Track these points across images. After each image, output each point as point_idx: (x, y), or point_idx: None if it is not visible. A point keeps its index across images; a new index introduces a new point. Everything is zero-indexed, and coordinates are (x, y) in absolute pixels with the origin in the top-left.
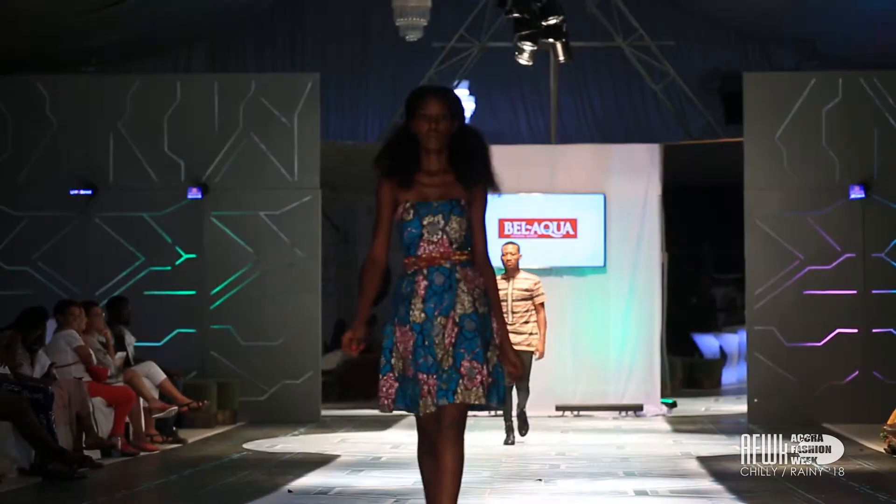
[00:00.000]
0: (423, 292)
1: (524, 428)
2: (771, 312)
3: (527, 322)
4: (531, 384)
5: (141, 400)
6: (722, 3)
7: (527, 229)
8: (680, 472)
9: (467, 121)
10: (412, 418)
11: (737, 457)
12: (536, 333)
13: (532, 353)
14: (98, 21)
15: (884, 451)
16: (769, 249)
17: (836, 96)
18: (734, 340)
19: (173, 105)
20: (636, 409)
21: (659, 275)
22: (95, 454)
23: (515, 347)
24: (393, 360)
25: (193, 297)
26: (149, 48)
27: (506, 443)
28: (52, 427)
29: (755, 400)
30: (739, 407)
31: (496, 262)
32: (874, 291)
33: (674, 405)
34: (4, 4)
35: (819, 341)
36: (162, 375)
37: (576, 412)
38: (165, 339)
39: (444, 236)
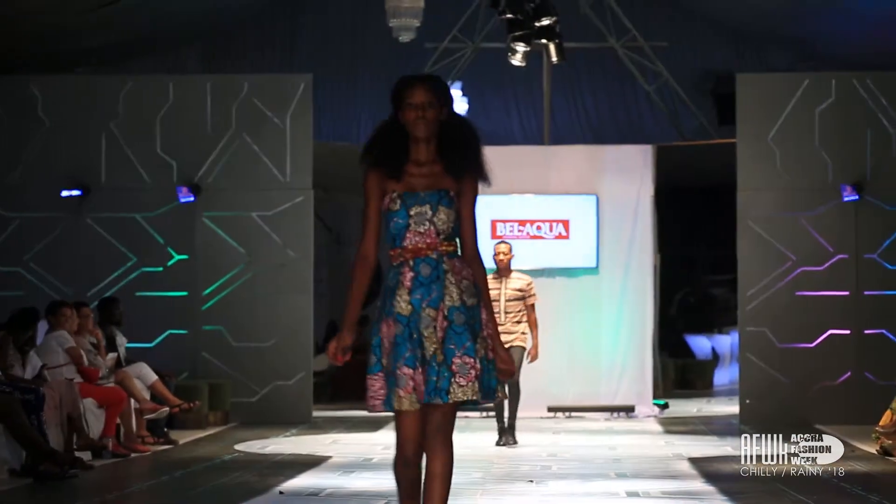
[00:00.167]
0: (409, 283)
1: (512, 440)
2: (763, 313)
3: (518, 322)
4: (522, 386)
5: (132, 401)
6: (715, 3)
7: (519, 230)
8: (672, 474)
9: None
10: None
11: (728, 458)
12: (527, 333)
13: (523, 348)
14: (91, 21)
15: (876, 453)
16: (762, 250)
17: (830, 97)
18: (726, 341)
19: (166, 106)
20: (628, 410)
21: (651, 276)
22: (86, 455)
23: (506, 344)
24: (383, 360)
25: (185, 297)
26: (142, 49)
27: (498, 443)
28: (43, 428)
29: (747, 401)
30: (731, 408)
31: (488, 261)
32: (866, 293)
33: (666, 406)
34: None
35: (811, 342)
36: (153, 376)
37: (568, 413)
38: (157, 340)
39: (432, 227)
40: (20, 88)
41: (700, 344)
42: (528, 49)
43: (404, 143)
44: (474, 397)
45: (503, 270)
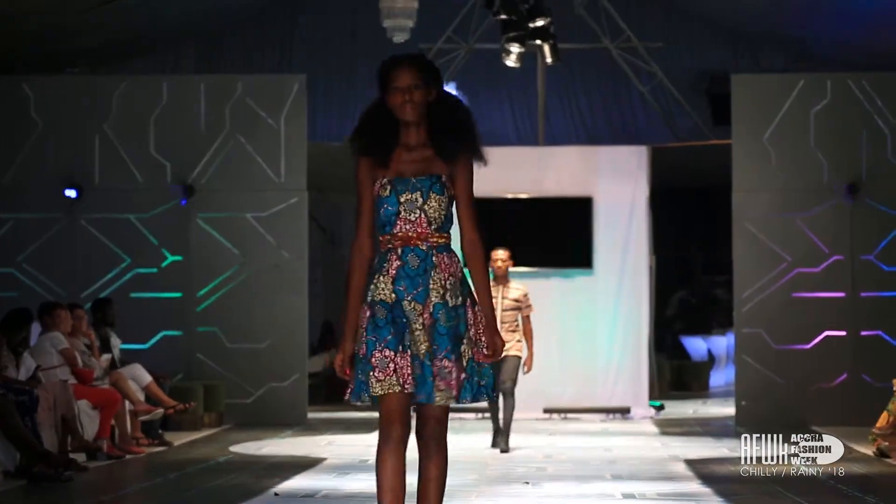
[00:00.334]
0: (393, 272)
1: (504, 447)
2: (759, 315)
3: (514, 331)
4: (516, 389)
5: (127, 402)
6: (710, 4)
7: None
8: (668, 475)
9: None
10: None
11: (725, 459)
12: (523, 342)
13: (518, 357)
14: (85, 22)
15: (872, 454)
16: (757, 251)
17: (825, 98)
18: (722, 343)
19: (159, 106)
20: (624, 411)
21: (647, 277)
22: (81, 457)
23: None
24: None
25: (179, 299)
26: (136, 49)
27: (493, 446)
28: (37, 430)
29: (743, 402)
30: (727, 410)
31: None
32: (862, 294)
33: (661, 408)
34: None
35: (807, 344)
36: (148, 378)
37: (563, 415)
38: (151, 342)
39: (423, 215)
40: (13, 89)
41: (696, 345)
42: (523, 50)
43: (393, 127)
44: (449, 402)
45: (501, 278)
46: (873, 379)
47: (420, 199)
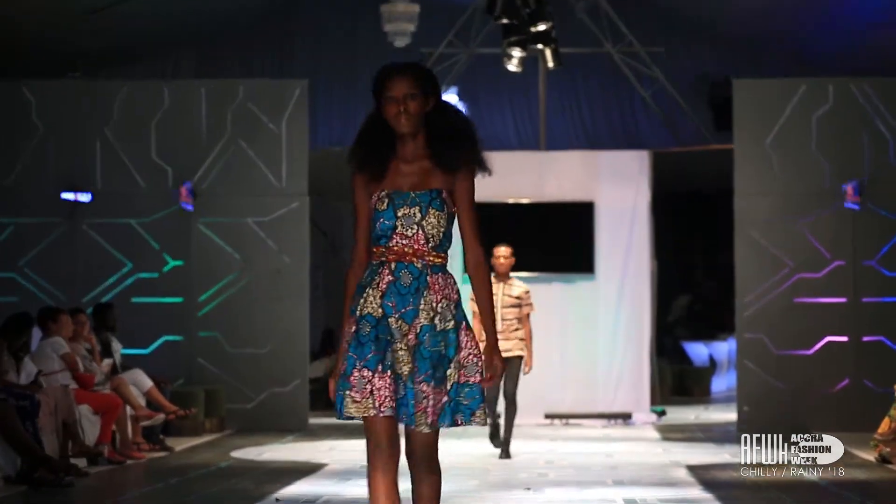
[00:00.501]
0: (384, 286)
1: (505, 455)
2: (760, 320)
3: (517, 329)
4: (518, 393)
5: (128, 408)
6: (711, 9)
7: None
8: (669, 481)
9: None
10: (401, 427)
11: (726, 465)
12: (525, 339)
13: (521, 358)
14: (85, 26)
15: (874, 460)
16: (759, 257)
17: (827, 103)
18: (724, 348)
19: (161, 111)
20: (625, 417)
21: (648, 282)
22: (82, 462)
23: (505, 354)
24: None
25: (181, 304)
26: (137, 53)
27: (492, 440)
28: (38, 435)
29: (745, 408)
30: (729, 415)
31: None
32: (864, 299)
33: (663, 413)
34: None
35: (809, 349)
36: (149, 383)
37: (565, 420)
38: (152, 347)
39: (420, 231)
40: (14, 93)
41: (697, 351)
42: (524, 54)
43: (389, 139)
44: (420, 429)
45: (502, 275)
46: (875, 384)
47: (418, 215)
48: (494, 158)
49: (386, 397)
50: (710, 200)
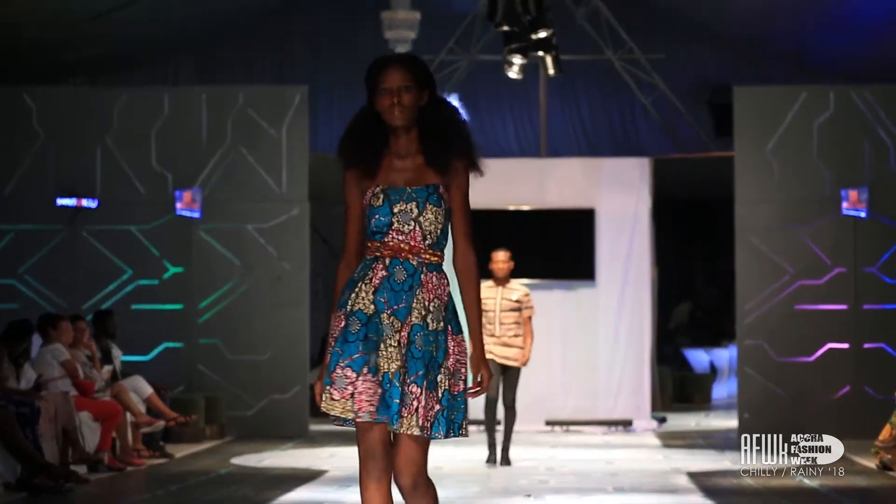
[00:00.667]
0: (377, 282)
1: (505, 462)
2: (761, 327)
3: (516, 335)
4: (519, 399)
5: (128, 414)
6: (712, 15)
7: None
8: (670, 488)
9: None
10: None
11: (727, 472)
12: (524, 349)
13: (520, 370)
14: (84, 32)
15: (875, 467)
16: (759, 263)
17: (827, 110)
18: (724, 355)
19: (161, 117)
20: (626, 424)
21: (649, 289)
22: (82, 469)
23: (503, 362)
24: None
25: (181, 310)
26: (136, 59)
27: (487, 461)
28: (38, 441)
29: (745, 415)
30: (730, 422)
31: (485, 269)
32: (865, 306)
33: (664, 420)
34: None
35: (810, 356)
36: (149, 390)
37: (565, 427)
38: (153, 354)
39: (417, 227)
40: (15, 100)
41: (698, 357)
42: (525, 61)
43: (381, 133)
44: (411, 432)
45: (501, 280)
46: (876, 392)
47: (415, 210)
48: (495, 165)
49: (365, 401)
50: (710, 207)
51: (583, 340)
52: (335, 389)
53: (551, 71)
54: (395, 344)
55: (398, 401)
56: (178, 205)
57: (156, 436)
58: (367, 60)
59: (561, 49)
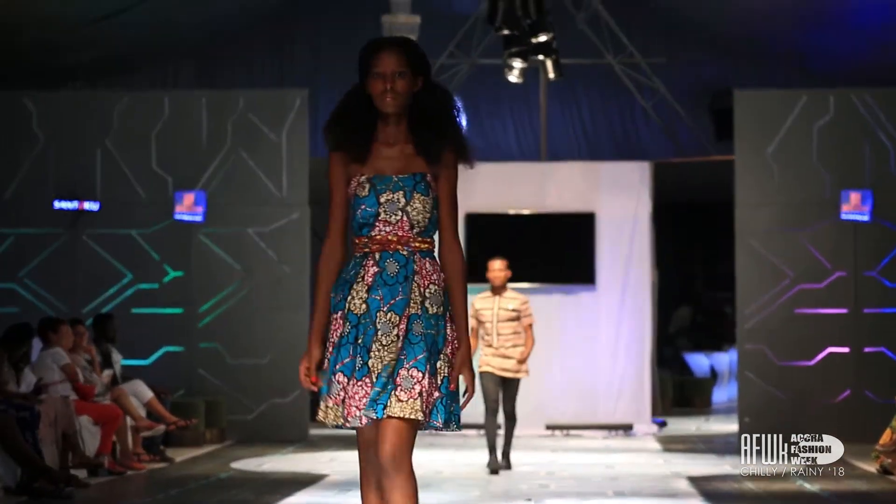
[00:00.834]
0: (370, 280)
1: (506, 465)
2: (762, 331)
3: (514, 346)
4: (519, 404)
5: (128, 418)
6: (712, 19)
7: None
8: (670, 492)
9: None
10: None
11: (728, 476)
12: (524, 361)
13: (519, 380)
14: (86, 36)
15: (875, 472)
16: (760, 267)
17: (828, 113)
18: (725, 359)
19: (161, 121)
20: (626, 428)
21: (649, 293)
22: (82, 473)
23: (501, 374)
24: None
25: (181, 314)
26: (136, 62)
27: (489, 465)
28: (38, 445)
29: (746, 419)
30: (730, 426)
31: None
32: (865, 310)
33: (664, 424)
34: None
35: (810, 360)
36: (149, 394)
37: (566, 431)
38: (153, 357)
39: (405, 217)
40: (15, 104)
41: (699, 361)
42: (525, 65)
43: (371, 118)
44: (413, 416)
45: (498, 288)
46: (876, 395)
47: (402, 200)
48: (495, 169)
49: (353, 406)
50: (711, 211)
51: (583, 344)
52: (329, 397)
53: (552, 75)
54: (395, 338)
55: (379, 388)
56: (178, 208)
57: (156, 440)
58: None
59: (561, 53)
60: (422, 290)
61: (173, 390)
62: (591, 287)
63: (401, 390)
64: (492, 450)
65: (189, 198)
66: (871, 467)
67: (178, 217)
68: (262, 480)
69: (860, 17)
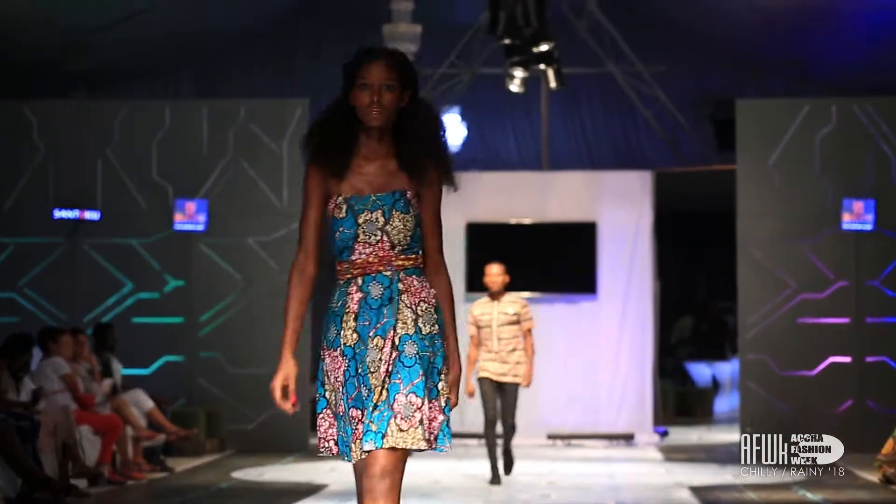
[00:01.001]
0: (355, 307)
1: (509, 466)
2: (763, 341)
3: (514, 350)
4: (520, 413)
5: (128, 428)
6: (714, 27)
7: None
8: (672, 502)
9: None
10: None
11: (729, 486)
12: (523, 363)
13: (518, 385)
14: (86, 46)
15: (878, 481)
16: (761, 277)
17: (830, 123)
18: (726, 369)
19: (162, 131)
20: (628, 437)
21: (651, 302)
22: (82, 483)
23: (499, 380)
24: (327, 394)
25: (181, 324)
26: (137, 71)
27: (491, 482)
28: (37, 455)
29: (748, 429)
30: (732, 436)
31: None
32: (868, 320)
33: (666, 434)
34: None
35: (812, 370)
36: (150, 403)
37: (567, 441)
38: (153, 367)
39: (385, 237)
40: (15, 113)
41: (700, 371)
42: (527, 75)
43: (353, 131)
44: (416, 446)
45: (496, 294)
46: (878, 405)
47: (381, 219)
48: (496, 179)
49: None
50: (712, 220)
51: (584, 354)
52: (349, 436)
53: (553, 84)
54: (378, 363)
55: (385, 418)
56: (179, 217)
57: (156, 449)
58: None
59: (562, 62)
60: (413, 308)
61: (173, 400)
62: (593, 296)
63: (401, 419)
64: (493, 465)
65: (190, 207)
66: (874, 477)
67: (178, 227)
68: (263, 490)
69: (862, 26)
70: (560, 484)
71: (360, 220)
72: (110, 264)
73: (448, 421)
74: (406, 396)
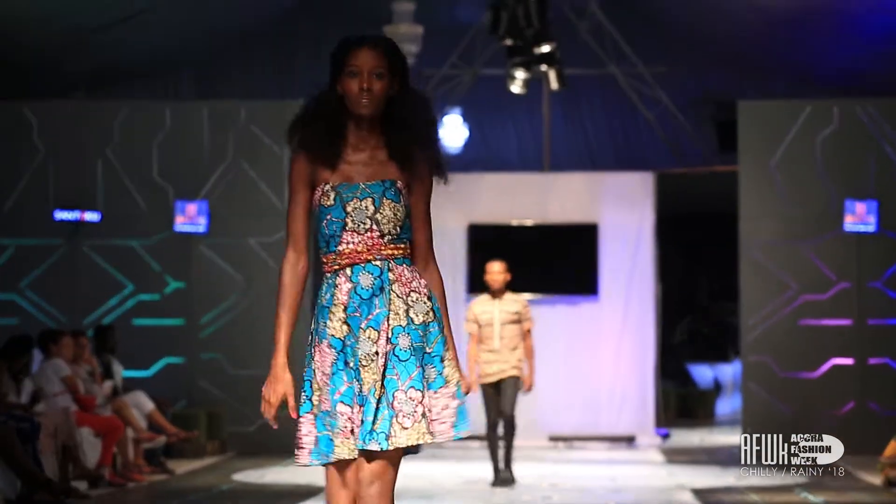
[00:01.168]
0: (345, 298)
1: (509, 476)
2: (765, 342)
3: (515, 348)
4: (521, 415)
5: (129, 430)
6: (715, 28)
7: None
8: None
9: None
10: None
11: (731, 488)
12: (523, 360)
13: (517, 378)
14: (86, 46)
15: (880, 484)
16: (763, 279)
17: (831, 124)
18: (728, 371)
19: (162, 132)
20: (629, 439)
21: (653, 304)
22: (83, 485)
23: (501, 375)
24: (314, 396)
25: (182, 325)
26: (137, 72)
27: (493, 484)
28: (38, 457)
29: (749, 430)
30: (734, 438)
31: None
32: (870, 321)
33: (667, 436)
34: None
35: (814, 372)
36: (150, 405)
37: (568, 443)
38: (154, 369)
39: (374, 226)
40: (15, 114)
41: (702, 373)
42: (528, 75)
43: (341, 119)
44: (422, 440)
45: (497, 292)
46: (881, 407)
47: (371, 208)
48: (498, 180)
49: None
50: (714, 222)
51: (586, 356)
52: (338, 432)
53: (554, 85)
54: (373, 357)
55: (371, 418)
56: (180, 219)
57: (157, 451)
58: None
59: (564, 63)
60: (404, 297)
61: (174, 401)
62: (594, 298)
63: (403, 416)
64: (496, 467)
65: (190, 209)
66: (876, 479)
67: (179, 228)
68: (264, 492)
69: (864, 27)
70: (561, 486)
71: (349, 209)
72: (111, 266)
73: (464, 405)
74: (405, 393)
